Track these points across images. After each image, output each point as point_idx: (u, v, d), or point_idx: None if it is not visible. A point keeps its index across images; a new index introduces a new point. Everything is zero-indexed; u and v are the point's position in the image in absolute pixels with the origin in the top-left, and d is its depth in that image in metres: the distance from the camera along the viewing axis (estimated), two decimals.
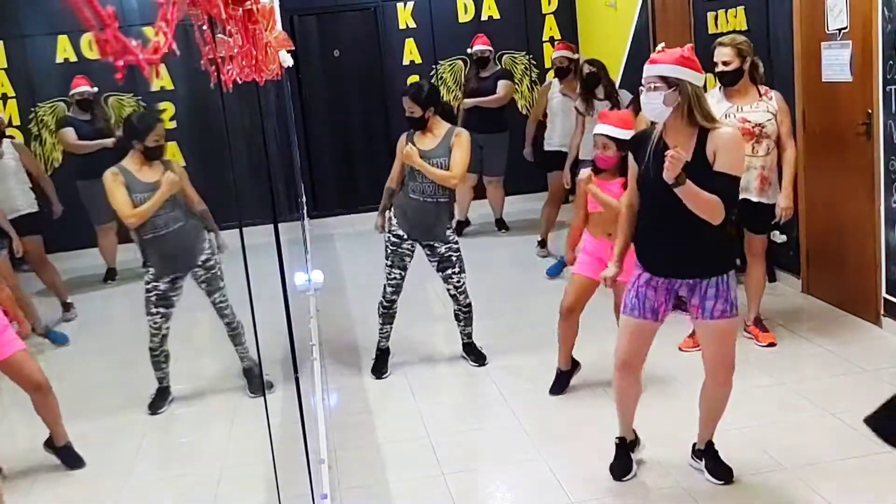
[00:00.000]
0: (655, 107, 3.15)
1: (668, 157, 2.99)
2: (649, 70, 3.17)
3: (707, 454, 3.53)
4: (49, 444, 4.19)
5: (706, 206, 3.07)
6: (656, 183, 3.11)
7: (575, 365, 4.53)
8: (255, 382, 4.82)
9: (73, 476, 4.13)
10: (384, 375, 4.95)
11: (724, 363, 3.32)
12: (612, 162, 4.20)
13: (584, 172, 4.33)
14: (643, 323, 3.33)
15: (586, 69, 6.55)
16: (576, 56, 7.42)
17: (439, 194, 4.76)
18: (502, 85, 8.01)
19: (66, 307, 6.74)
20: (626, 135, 4.09)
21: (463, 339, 5.07)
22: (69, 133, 7.43)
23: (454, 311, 5.01)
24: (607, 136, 4.18)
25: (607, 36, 8.42)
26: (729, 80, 4.62)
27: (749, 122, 4.59)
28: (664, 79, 3.12)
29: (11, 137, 7.12)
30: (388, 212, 4.92)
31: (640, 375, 3.51)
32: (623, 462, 3.61)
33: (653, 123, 3.34)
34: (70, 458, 4.18)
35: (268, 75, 3.20)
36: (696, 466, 3.59)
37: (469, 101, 7.98)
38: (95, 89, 7.60)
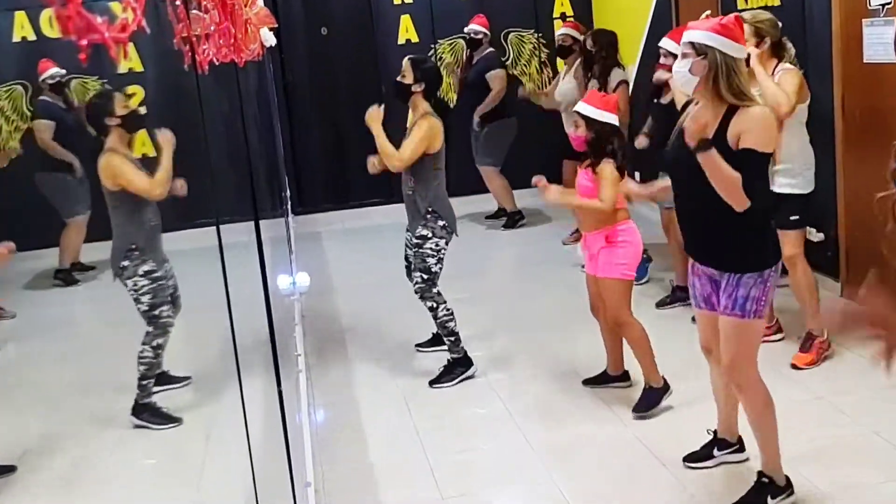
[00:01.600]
0: (683, 75, 3.23)
1: (688, 118, 3.08)
2: (683, 36, 3.26)
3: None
4: None
5: (727, 181, 3.11)
6: (681, 160, 3.22)
7: (667, 386, 4.43)
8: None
9: (48, 487, 4.14)
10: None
11: (727, 363, 3.39)
12: (581, 141, 4.36)
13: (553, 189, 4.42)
14: (701, 314, 3.54)
15: (588, 45, 6.66)
16: (581, 36, 7.48)
17: (406, 186, 4.95)
18: (493, 77, 8.13)
19: None
20: (600, 115, 4.28)
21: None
22: (48, 128, 7.48)
23: None
24: (580, 113, 4.35)
25: (625, 11, 8.42)
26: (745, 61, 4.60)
27: None
28: (693, 45, 3.18)
29: None
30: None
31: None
32: (702, 451, 3.78)
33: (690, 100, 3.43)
34: None
35: (248, 56, 3.21)
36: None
37: (476, 120, 8.21)
38: (64, 71, 7.63)
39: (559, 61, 9.27)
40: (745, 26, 4.56)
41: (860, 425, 4.08)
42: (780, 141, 4.50)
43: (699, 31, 3.19)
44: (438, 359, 5.20)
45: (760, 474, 3.48)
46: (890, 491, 3.52)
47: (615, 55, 6.84)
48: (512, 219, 8.47)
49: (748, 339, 3.35)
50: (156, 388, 4.93)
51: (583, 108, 4.35)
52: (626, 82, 6.79)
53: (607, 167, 4.25)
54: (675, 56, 4.63)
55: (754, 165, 3.14)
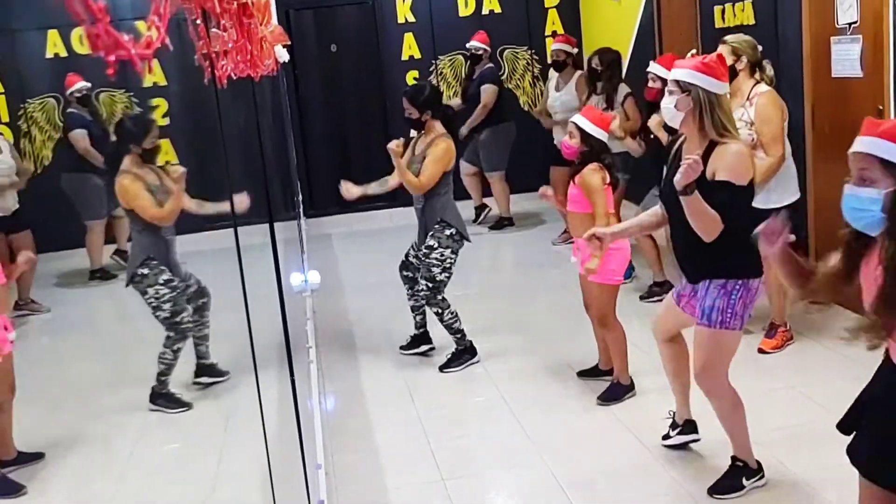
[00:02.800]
0: (669, 111, 3.26)
1: (684, 163, 3.05)
2: (669, 74, 3.30)
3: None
4: None
5: (703, 219, 3.14)
6: (670, 190, 3.23)
7: (632, 386, 4.46)
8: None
9: (64, 478, 4.14)
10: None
11: (698, 370, 3.38)
12: (573, 152, 4.37)
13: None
14: (668, 302, 3.60)
15: (593, 63, 6.63)
16: (574, 50, 7.48)
17: (417, 200, 4.94)
18: (484, 91, 8.12)
19: (22, 306, 6.82)
20: (594, 130, 4.31)
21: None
22: (83, 137, 7.47)
23: None
24: (576, 124, 4.35)
25: (611, 30, 8.41)
26: None
27: None
28: (678, 83, 3.21)
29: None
30: (359, 189, 5.09)
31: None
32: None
33: (669, 131, 3.44)
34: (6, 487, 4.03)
35: (263, 71, 3.20)
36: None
37: (463, 131, 8.06)
38: (90, 84, 7.63)
39: (551, 75, 9.30)
40: (723, 47, 4.58)
41: (830, 413, 4.06)
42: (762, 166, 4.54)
43: (684, 70, 3.21)
44: (443, 351, 5.19)
45: (734, 458, 3.47)
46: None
47: (620, 73, 6.81)
48: (500, 223, 8.43)
49: (717, 349, 3.32)
50: (201, 379, 5.01)
51: (581, 121, 4.36)
52: (632, 94, 6.75)
53: (594, 177, 4.25)
54: (662, 80, 4.74)
55: (730, 196, 3.15)
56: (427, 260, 4.88)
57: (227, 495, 3.89)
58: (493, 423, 4.34)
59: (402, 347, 5.33)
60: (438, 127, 4.87)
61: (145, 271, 4.62)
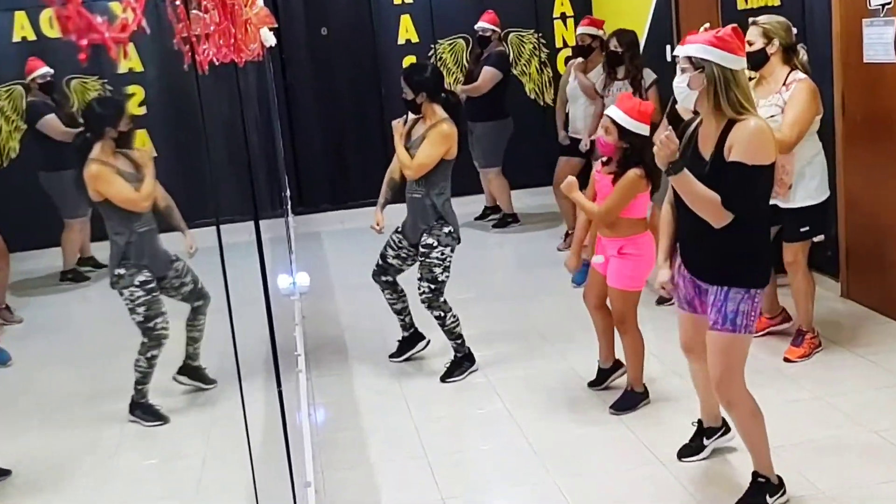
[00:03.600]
0: (682, 90, 3.24)
1: (656, 140, 3.09)
2: (679, 50, 3.26)
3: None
4: None
5: (700, 202, 3.15)
6: (692, 161, 3.21)
7: (646, 394, 4.51)
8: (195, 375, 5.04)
9: (44, 491, 4.14)
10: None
11: (717, 380, 3.37)
12: (610, 149, 4.26)
13: (570, 180, 4.37)
14: (683, 314, 3.55)
15: (611, 45, 6.59)
16: (600, 32, 7.26)
17: (413, 189, 4.93)
18: (483, 72, 8.05)
19: (8, 311, 6.80)
20: (633, 126, 4.17)
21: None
22: (55, 120, 7.41)
23: None
24: (612, 118, 4.22)
25: (625, 12, 8.41)
26: (752, 64, 4.50)
27: None
28: (691, 60, 3.18)
29: None
30: (381, 214, 5.04)
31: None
32: (693, 444, 3.82)
33: (695, 112, 3.41)
34: None
35: (248, 56, 3.21)
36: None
37: (458, 89, 8.03)
38: (52, 70, 7.61)
39: (559, 61, 9.29)
40: (753, 28, 4.54)
41: (859, 425, 4.08)
42: (791, 160, 4.55)
43: (696, 45, 3.17)
44: (439, 357, 5.20)
45: (756, 474, 3.47)
46: (891, 490, 3.51)
47: (639, 54, 6.77)
48: (504, 220, 8.44)
49: (737, 354, 3.34)
50: (181, 378, 5.05)
51: (619, 115, 4.19)
52: (658, 81, 6.70)
53: (638, 185, 4.18)
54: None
55: (741, 178, 3.11)
56: (427, 260, 4.88)
57: None
58: (496, 435, 4.34)
59: (391, 356, 5.35)
60: (439, 111, 4.86)
61: (122, 272, 4.63)
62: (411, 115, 5.01)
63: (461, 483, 3.92)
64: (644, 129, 4.19)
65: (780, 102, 4.55)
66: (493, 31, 8.16)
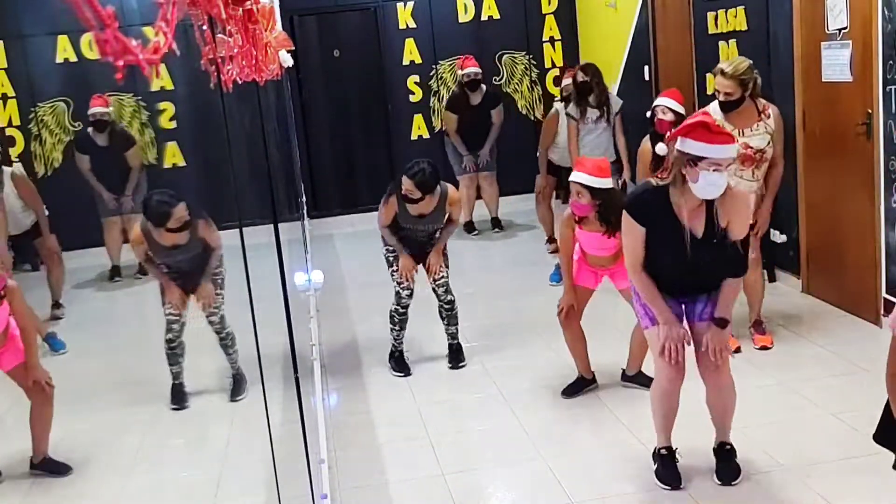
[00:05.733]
0: (719, 188, 3.16)
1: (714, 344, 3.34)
2: (720, 151, 3.11)
3: (718, 455, 3.54)
4: (34, 465, 4.13)
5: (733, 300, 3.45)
6: (702, 253, 3.28)
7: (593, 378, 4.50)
8: (239, 388, 4.86)
9: (72, 477, 4.13)
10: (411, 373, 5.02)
11: (723, 362, 3.41)
12: (587, 210, 4.13)
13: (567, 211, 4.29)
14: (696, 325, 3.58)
15: (580, 77, 6.55)
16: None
17: (425, 233, 4.92)
18: (496, 114, 8.17)
19: (57, 306, 6.77)
20: (600, 183, 4.08)
21: (448, 340, 5.08)
22: (85, 161, 7.54)
23: (437, 308, 5.04)
24: (581, 183, 4.10)
25: (607, 36, 8.42)
26: (730, 108, 4.50)
27: (751, 147, 4.49)
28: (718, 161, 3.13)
29: (15, 163, 7.01)
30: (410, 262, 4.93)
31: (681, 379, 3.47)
32: (672, 471, 3.55)
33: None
34: (55, 467, 4.13)
35: (268, 75, 3.21)
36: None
37: (485, 150, 8.19)
38: (111, 109, 7.60)
39: (548, 79, 9.28)
40: (730, 81, 4.41)
41: (818, 407, 4.08)
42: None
43: (726, 146, 3.14)
44: (439, 348, 5.20)
45: (725, 444, 3.54)
46: (849, 466, 3.52)
47: (603, 82, 6.66)
48: (490, 225, 8.39)
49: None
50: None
51: (584, 178, 4.08)
52: (623, 108, 6.67)
53: (623, 220, 3.91)
54: (672, 112, 4.82)
55: (742, 246, 3.34)
56: (446, 280, 4.97)
57: (233, 488, 3.90)
58: (490, 417, 4.34)
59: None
60: (451, 190, 4.86)
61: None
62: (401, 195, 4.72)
63: (461, 461, 3.91)
64: (609, 182, 4.13)
65: (770, 129, 4.53)
66: (480, 73, 8.12)
